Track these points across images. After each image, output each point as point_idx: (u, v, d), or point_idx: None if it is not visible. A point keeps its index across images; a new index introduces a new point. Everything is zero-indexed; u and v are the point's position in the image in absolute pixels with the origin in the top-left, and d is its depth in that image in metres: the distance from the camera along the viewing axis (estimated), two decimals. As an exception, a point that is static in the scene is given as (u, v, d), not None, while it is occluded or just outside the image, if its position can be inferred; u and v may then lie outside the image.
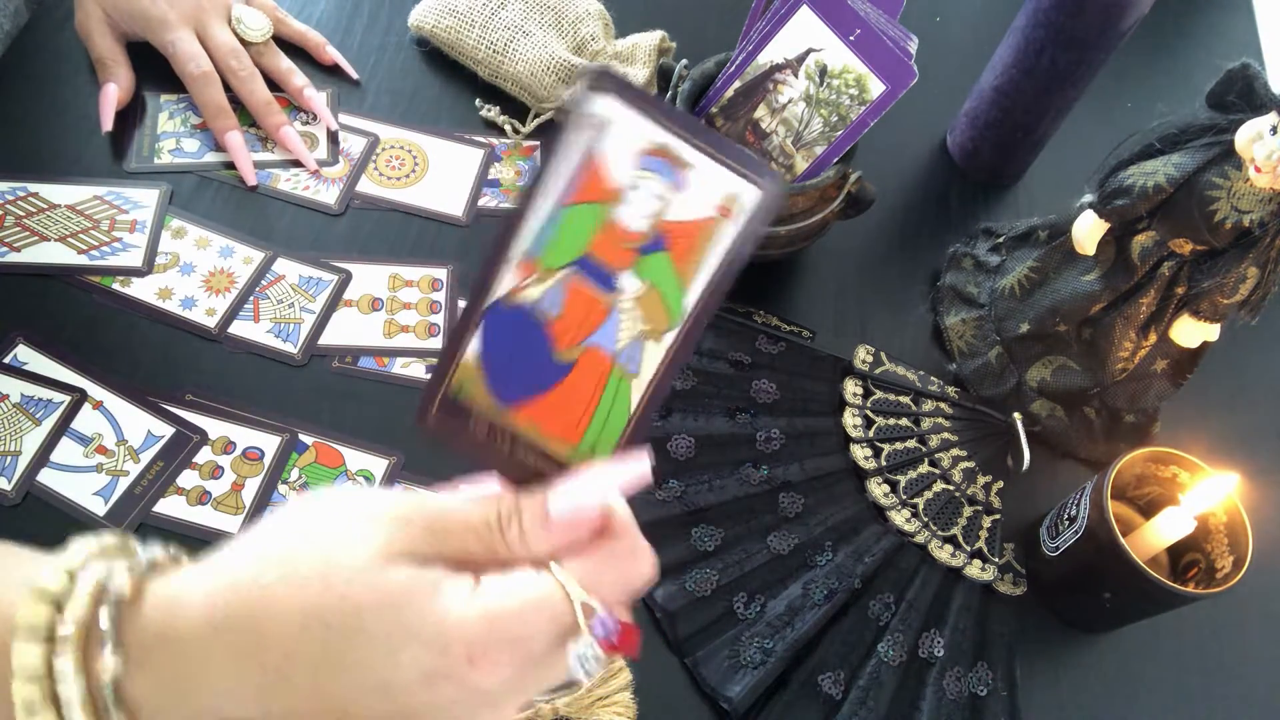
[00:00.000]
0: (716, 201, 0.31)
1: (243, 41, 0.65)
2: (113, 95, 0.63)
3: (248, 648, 0.30)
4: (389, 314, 0.61)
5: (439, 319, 0.61)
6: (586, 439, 0.33)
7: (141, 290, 0.59)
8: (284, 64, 0.67)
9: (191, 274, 0.60)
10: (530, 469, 0.33)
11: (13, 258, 0.58)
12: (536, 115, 0.69)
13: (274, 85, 0.66)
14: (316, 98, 0.67)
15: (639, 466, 0.33)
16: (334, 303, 0.60)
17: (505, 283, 0.31)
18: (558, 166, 0.30)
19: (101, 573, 0.30)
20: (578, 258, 0.31)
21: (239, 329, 0.59)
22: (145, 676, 0.30)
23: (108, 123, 0.63)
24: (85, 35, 0.64)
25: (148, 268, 0.59)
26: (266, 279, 0.61)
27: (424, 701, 0.30)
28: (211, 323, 0.59)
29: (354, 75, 0.69)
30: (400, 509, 0.31)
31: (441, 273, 0.63)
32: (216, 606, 0.30)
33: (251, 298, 0.60)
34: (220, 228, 0.62)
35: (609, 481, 0.33)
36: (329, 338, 0.59)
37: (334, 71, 0.70)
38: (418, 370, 0.59)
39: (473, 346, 0.32)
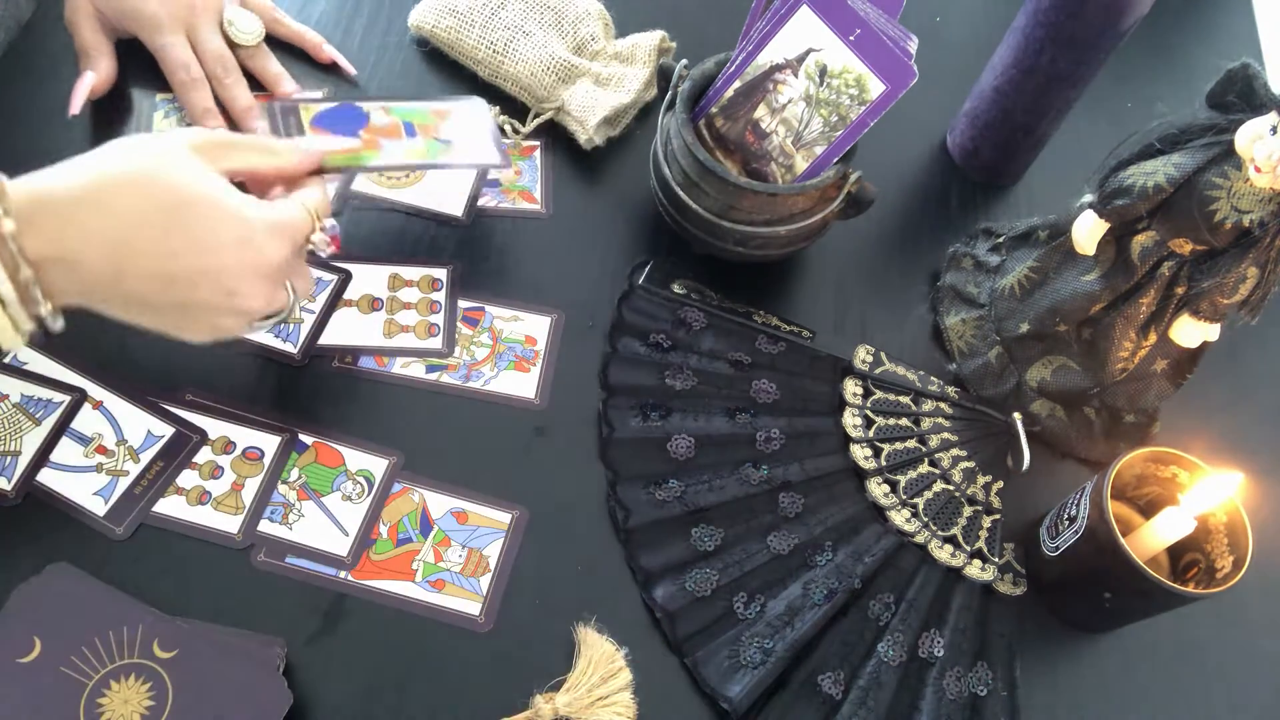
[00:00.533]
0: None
1: (234, 44, 0.65)
2: (88, 82, 0.62)
3: (105, 214, 0.43)
4: (389, 314, 0.61)
5: (439, 319, 0.61)
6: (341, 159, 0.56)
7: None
8: (273, 68, 0.67)
9: None
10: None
11: None
12: (536, 115, 0.69)
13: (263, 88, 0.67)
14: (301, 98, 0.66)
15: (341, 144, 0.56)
16: (334, 302, 0.60)
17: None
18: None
19: None
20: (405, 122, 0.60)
21: None
22: (34, 234, 0.42)
23: (75, 107, 0.62)
24: (72, 26, 0.64)
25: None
26: None
27: (235, 260, 0.46)
28: None
29: (351, 71, 0.69)
30: (205, 135, 0.48)
31: (441, 273, 0.63)
32: (74, 188, 0.43)
33: None
34: None
35: (325, 145, 0.55)
36: (329, 338, 0.59)
37: (332, 70, 0.70)
38: (418, 370, 0.59)
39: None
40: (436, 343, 0.60)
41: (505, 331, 0.61)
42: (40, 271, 0.43)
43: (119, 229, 0.44)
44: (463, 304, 0.62)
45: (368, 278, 0.62)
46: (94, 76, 0.63)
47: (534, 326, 0.62)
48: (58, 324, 0.45)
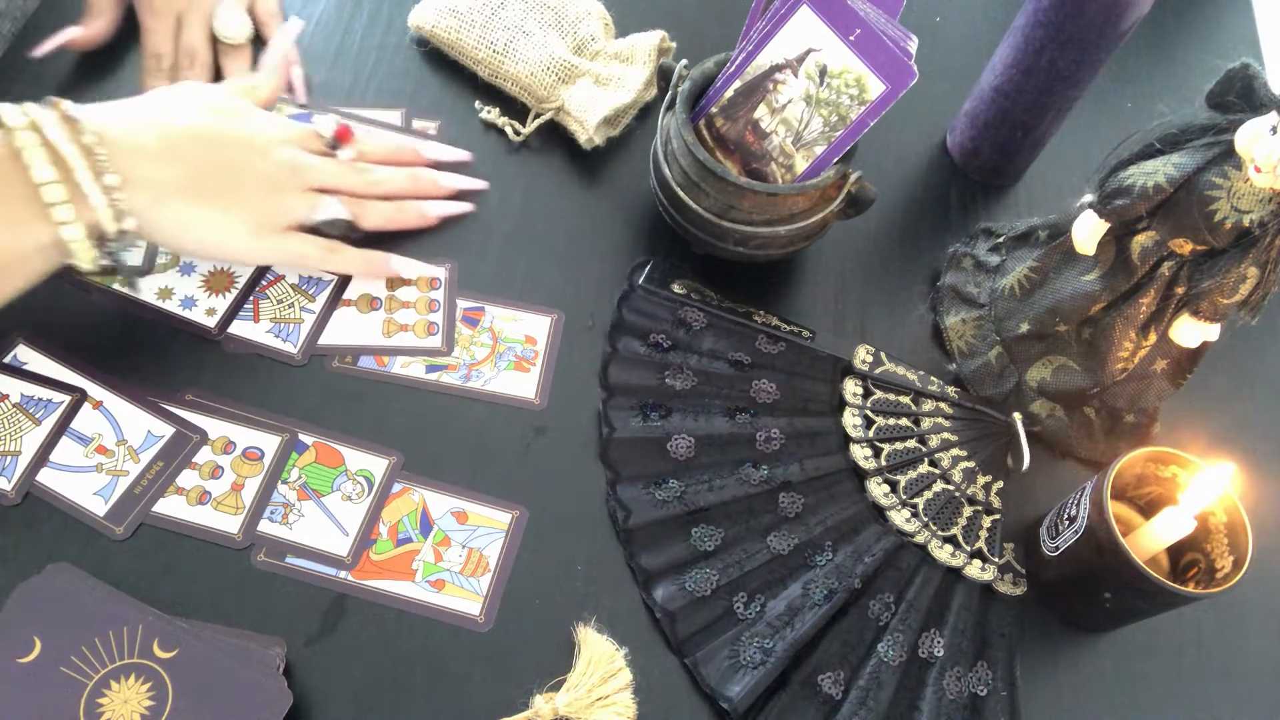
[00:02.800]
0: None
1: (218, 39, 0.66)
2: (69, 33, 0.64)
3: (150, 107, 0.54)
4: (388, 313, 0.61)
5: (438, 317, 0.61)
6: None
7: (141, 290, 0.59)
8: (242, 72, 0.67)
9: (191, 274, 0.60)
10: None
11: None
12: (536, 116, 0.69)
13: None
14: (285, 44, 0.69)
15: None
16: (334, 303, 0.60)
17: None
18: None
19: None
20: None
21: (239, 329, 0.59)
22: (100, 135, 0.50)
23: (40, 49, 0.63)
24: None
25: (148, 267, 0.59)
26: (266, 279, 0.61)
27: (265, 127, 0.57)
28: (211, 323, 0.59)
29: (301, 99, 0.68)
30: (224, 85, 0.60)
31: (440, 271, 0.63)
32: (127, 110, 0.53)
33: (251, 298, 0.60)
34: None
35: (284, 40, 0.66)
36: (328, 338, 0.59)
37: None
38: (417, 370, 0.59)
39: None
40: (436, 342, 0.60)
41: (505, 331, 0.61)
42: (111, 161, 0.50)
43: (157, 109, 0.54)
44: (463, 304, 0.62)
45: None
46: (78, 31, 0.64)
47: (534, 326, 0.62)
48: (128, 224, 0.51)
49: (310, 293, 0.61)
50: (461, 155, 0.67)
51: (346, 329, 0.60)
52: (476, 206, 0.66)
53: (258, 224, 0.56)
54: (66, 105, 0.50)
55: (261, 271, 0.61)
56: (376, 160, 0.63)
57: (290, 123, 0.59)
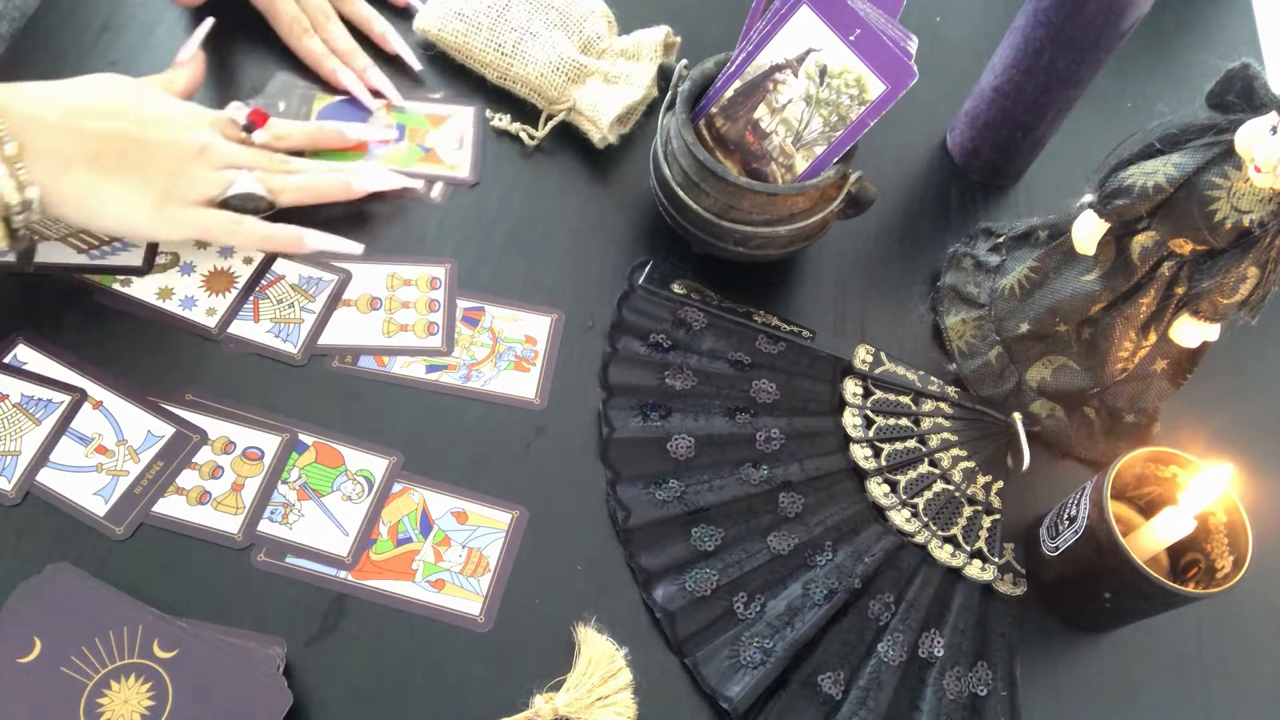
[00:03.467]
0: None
1: None
2: (207, 28, 0.64)
3: (59, 87, 0.55)
4: (388, 313, 0.61)
5: (438, 317, 0.61)
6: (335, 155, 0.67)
7: (141, 290, 0.59)
8: (362, 10, 0.70)
9: (191, 274, 0.60)
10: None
11: (14, 256, 0.58)
12: (549, 117, 0.69)
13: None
14: (397, 41, 0.70)
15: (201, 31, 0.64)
16: (334, 303, 0.60)
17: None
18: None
19: None
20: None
21: (239, 329, 0.59)
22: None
23: (184, 53, 0.63)
24: None
25: (147, 267, 0.59)
26: (266, 279, 0.61)
27: (173, 107, 0.58)
28: (211, 323, 0.59)
29: (416, 68, 0.70)
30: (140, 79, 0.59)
31: (440, 271, 0.63)
32: (35, 87, 0.54)
33: (251, 298, 0.60)
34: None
35: (198, 36, 0.64)
36: (328, 338, 0.59)
37: (394, 60, 0.71)
38: (417, 370, 0.59)
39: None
40: (436, 341, 0.60)
41: (505, 331, 0.61)
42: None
43: (59, 89, 0.55)
44: (463, 304, 0.62)
45: (366, 277, 0.62)
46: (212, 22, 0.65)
47: (534, 326, 0.62)
48: (31, 194, 0.52)
49: (310, 292, 0.61)
50: (389, 134, 0.67)
51: (347, 329, 0.60)
52: (477, 206, 0.65)
53: (163, 196, 0.56)
54: None
55: (261, 271, 0.61)
56: (294, 145, 0.64)
57: (203, 109, 0.60)
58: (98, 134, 0.54)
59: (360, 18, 0.71)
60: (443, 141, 0.68)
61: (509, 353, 0.61)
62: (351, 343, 0.59)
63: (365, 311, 0.61)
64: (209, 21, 0.65)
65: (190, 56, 0.63)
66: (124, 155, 0.55)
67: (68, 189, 0.53)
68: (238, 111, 0.62)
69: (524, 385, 0.60)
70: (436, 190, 0.66)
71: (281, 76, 0.69)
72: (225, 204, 0.58)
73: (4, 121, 0.50)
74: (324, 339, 0.59)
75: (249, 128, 0.62)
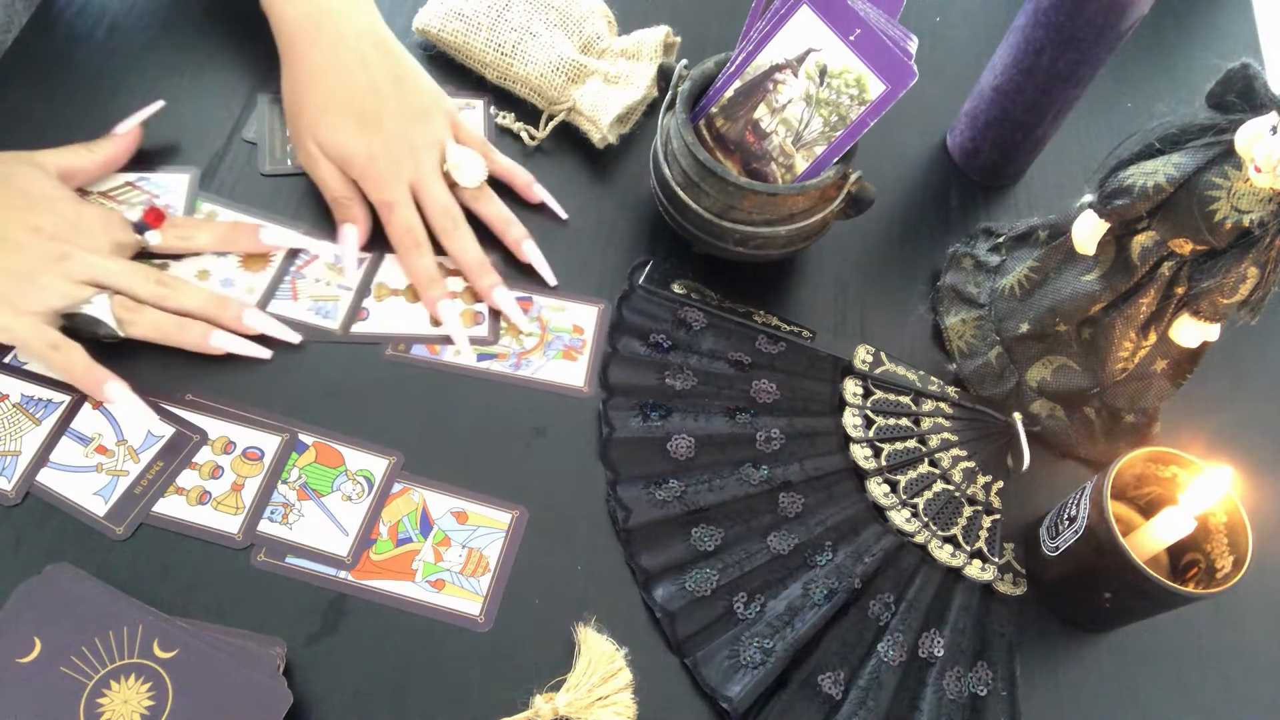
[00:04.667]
0: None
1: (453, 184, 0.62)
2: (353, 236, 0.60)
3: None
4: None
5: (483, 306, 0.62)
6: None
7: (180, 273, 0.60)
8: (501, 212, 0.63)
9: (227, 255, 0.61)
10: None
11: None
12: (550, 118, 0.69)
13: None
14: (534, 252, 0.63)
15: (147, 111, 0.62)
16: (368, 282, 0.61)
17: None
18: None
19: None
20: None
21: (278, 308, 0.60)
22: None
23: (351, 265, 0.60)
24: (315, 175, 0.61)
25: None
26: (301, 259, 0.61)
27: (49, 243, 0.54)
28: (253, 300, 0.60)
29: (563, 216, 0.65)
30: (55, 157, 0.57)
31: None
32: None
33: (288, 278, 0.61)
34: (253, 210, 0.63)
35: (144, 112, 0.61)
36: (376, 325, 0.60)
37: (538, 209, 0.66)
38: (468, 359, 0.60)
39: None
40: (482, 330, 0.61)
41: (553, 321, 0.62)
42: None
43: None
44: (512, 293, 0.62)
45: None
46: (356, 231, 0.60)
47: (581, 316, 0.62)
48: None
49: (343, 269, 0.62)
50: (317, 250, 0.61)
51: (395, 317, 0.60)
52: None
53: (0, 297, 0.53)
54: None
55: (295, 251, 0.62)
56: (200, 247, 0.59)
57: (87, 209, 0.56)
58: None
59: (496, 219, 0.63)
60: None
61: (557, 341, 0.61)
62: (399, 331, 0.60)
63: (412, 301, 0.61)
64: (159, 104, 0.62)
65: (127, 130, 0.60)
66: None
67: None
68: (131, 210, 0.58)
69: (573, 373, 0.60)
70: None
71: (265, 104, 0.66)
72: (71, 320, 0.54)
73: None
74: (372, 327, 0.60)
75: (142, 228, 0.57)
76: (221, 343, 0.56)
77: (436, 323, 0.60)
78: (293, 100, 0.61)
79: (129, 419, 0.55)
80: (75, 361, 0.54)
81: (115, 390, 0.54)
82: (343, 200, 0.61)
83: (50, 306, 0.53)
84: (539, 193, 0.65)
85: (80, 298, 0.54)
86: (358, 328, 0.60)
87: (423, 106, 0.62)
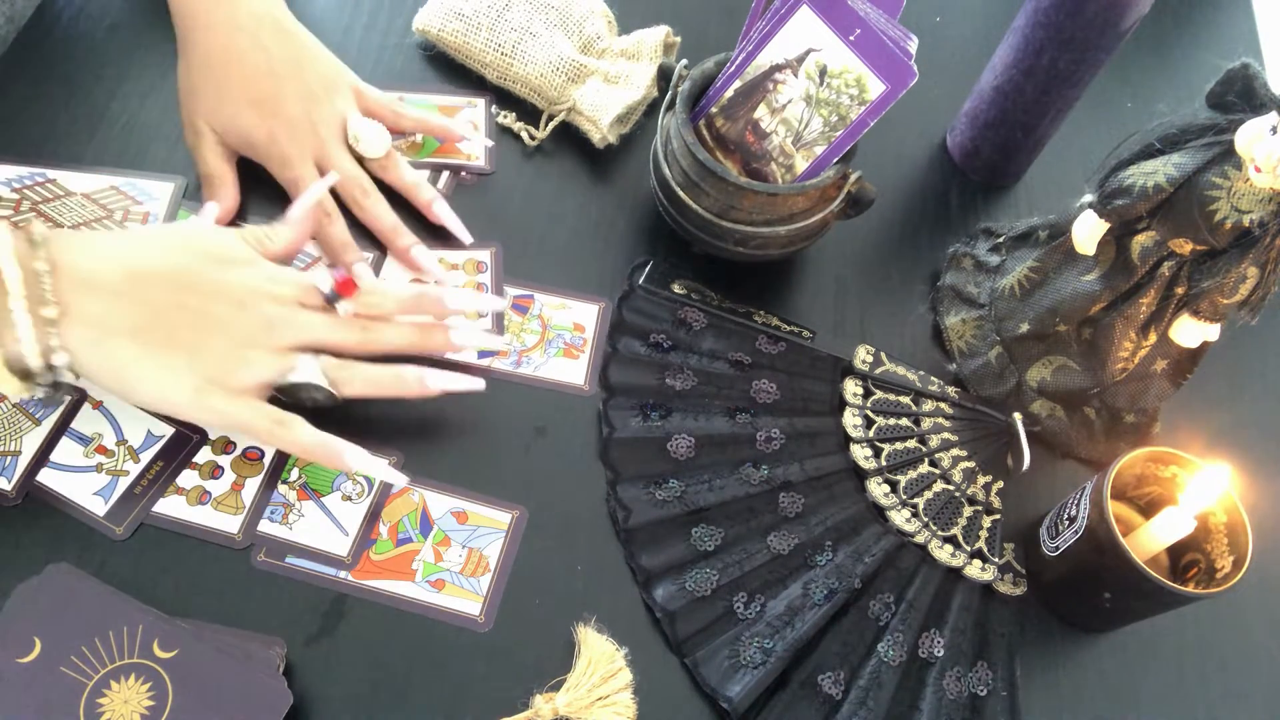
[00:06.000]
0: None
1: (361, 159, 0.62)
2: (210, 212, 0.60)
3: (121, 237, 0.53)
4: None
5: (485, 306, 0.61)
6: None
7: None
8: (408, 176, 0.63)
9: None
10: None
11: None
12: (550, 118, 0.69)
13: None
14: (446, 213, 0.63)
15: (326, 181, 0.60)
16: (376, 272, 0.62)
17: None
18: None
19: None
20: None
21: None
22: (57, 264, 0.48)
23: (299, 208, 0.59)
24: (195, 152, 0.61)
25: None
26: (300, 263, 0.62)
27: (244, 277, 0.52)
28: None
29: (467, 240, 0.64)
30: (234, 230, 0.55)
31: (485, 255, 0.64)
32: (104, 241, 0.51)
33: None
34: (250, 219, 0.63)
35: (315, 191, 0.58)
36: None
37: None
38: (470, 356, 0.59)
39: None
40: (486, 324, 0.61)
41: (554, 319, 0.62)
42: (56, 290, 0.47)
43: (137, 246, 0.51)
44: (512, 291, 0.63)
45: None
46: (217, 207, 0.60)
47: (582, 314, 0.62)
48: (58, 360, 0.48)
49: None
50: (499, 304, 0.59)
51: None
52: (478, 203, 0.65)
53: (207, 380, 0.50)
54: (37, 227, 0.47)
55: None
56: (388, 313, 0.57)
57: (288, 274, 0.54)
58: (153, 304, 0.49)
59: (404, 184, 0.63)
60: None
61: (558, 339, 0.61)
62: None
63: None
64: (332, 176, 0.60)
65: (302, 214, 0.57)
66: (174, 331, 0.49)
67: (103, 360, 0.49)
68: (323, 280, 0.54)
69: (573, 371, 0.60)
70: (443, 182, 0.66)
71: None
72: (281, 390, 0.53)
73: (53, 279, 0.46)
74: None
75: (334, 298, 0.55)
76: (440, 384, 0.55)
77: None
78: (188, 85, 0.60)
79: (378, 478, 0.55)
80: (305, 435, 0.52)
81: (357, 458, 0.52)
82: (215, 179, 0.60)
83: (260, 380, 0.52)
84: (440, 214, 0.63)
85: (288, 366, 0.52)
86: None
87: (323, 85, 0.61)
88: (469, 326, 0.59)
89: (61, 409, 0.55)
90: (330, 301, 0.55)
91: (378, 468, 0.53)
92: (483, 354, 0.60)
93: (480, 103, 0.70)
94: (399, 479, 0.54)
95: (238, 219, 0.62)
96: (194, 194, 0.62)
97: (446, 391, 0.56)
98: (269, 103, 0.59)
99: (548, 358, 0.61)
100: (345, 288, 0.55)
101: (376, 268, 0.62)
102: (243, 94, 0.59)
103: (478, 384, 0.57)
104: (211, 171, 0.61)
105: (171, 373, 0.50)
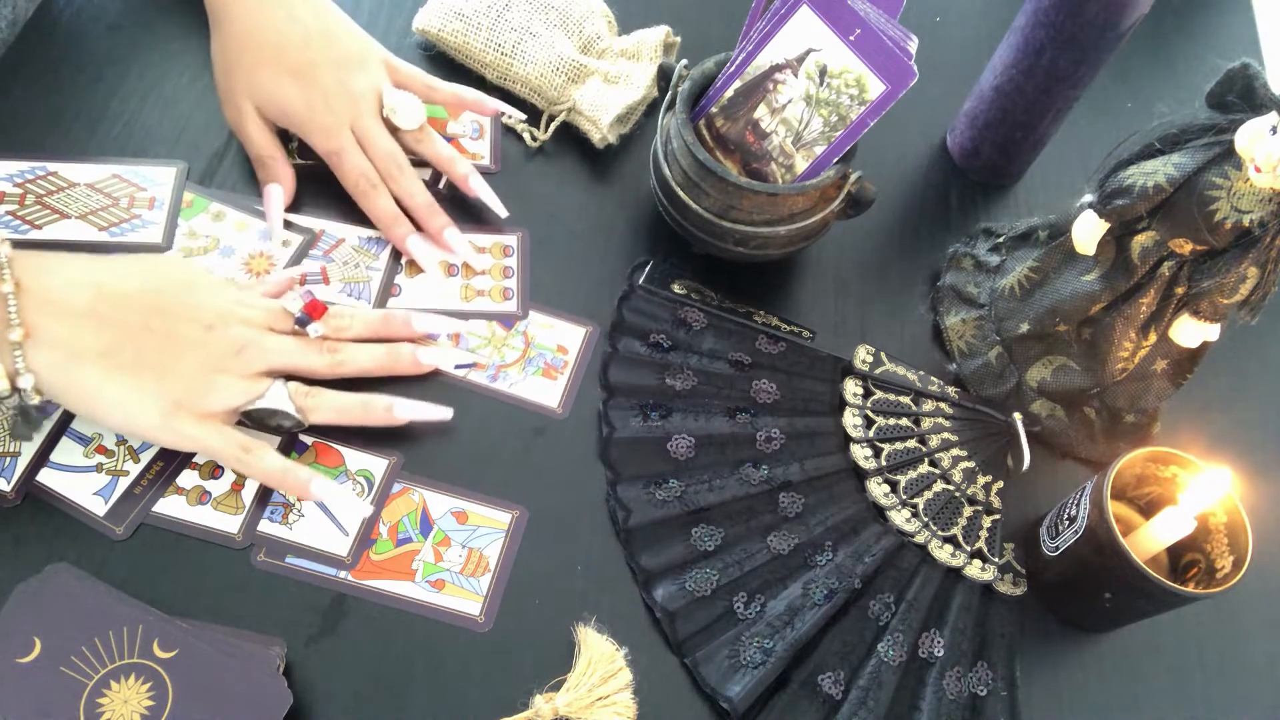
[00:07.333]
0: None
1: (395, 130, 0.62)
2: (278, 196, 0.60)
3: (94, 261, 0.51)
4: (465, 279, 0.62)
5: (512, 284, 0.63)
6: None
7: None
8: (443, 151, 0.63)
9: (231, 256, 0.60)
10: None
11: (35, 235, 0.58)
12: (551, 118, 0.69)
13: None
14: (482, 187, 0.63)
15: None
16: (396, 263, 0.62)
17: None
18: None
19: None
20: None
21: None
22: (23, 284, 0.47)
23: (277, 228, 0.60)
24: (240, 132, 0.61)
25: (168, 244, 0.60)
26: (325, 244, 0.62)
27: (215, 299, 0.53)
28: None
29: (503, 214, 0.64)
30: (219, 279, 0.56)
31: (512, 239, 0.64)
32: (76, 264, 0.50)
33: (319, 264, 0.61)
34: (256, 202, 0.62)
35: (292, 271, 0.59)
36: (408, 301, 0.61)
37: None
38: (445, 365, 0.59)
39: None
40: (511, 306, 0.62)
41: (539, 338, 0.62)
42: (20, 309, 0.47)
43: (105, 269, 0.50)
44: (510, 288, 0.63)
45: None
46: (281, 189, 0.60)
47: (568, 336, 0.62)
48: (23, 382, 0.47)
49: (373, 252, 0.62)
50: (460, 326, 0.60)
51: (426, 293, 0.62)
52: (479, 205, 0.66)
53: (175, 405, 0.50)
54: (2, 248, 0.47)
55: (309, 244, 0.61)
56: (356, 335, 0.57)
57: (257, 300, 0.55)
58: (122, 326, 0.49)
59: (439, 158, 0.63)
60: (463, 131, 0.68)
61: (539, 358, 0.61)
62: (430, 306, 0.61)
63: (448, 275, 0.62)
64: (277, 189, 0.60)
65: (284, 279, 0.58)
66: (142, 353, 0.49)
67: (69, 383, 0.48)
68: (293, 302, 0.56)
69: (548, 393, 0.60)
70: (443, 182, 0.66)
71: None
72: (248, 415, 0.54)
73: (19, 300, 0.46)
74: (404, 302, 0.61)
75: (303, 321, 0.55)
76: (405, 414, 0.55)
77: (408, 258, 0.62)
78: (223, 61, 0.61)
79: (342, 510, 0.54)
80: (270, 463, 0.52)
81: (322, 488, 0.53)
82: (268, 160, 0.61)
83: (227, 405, 0.52)
84: (476, 187, 0.63)
85: (257, 392, 0.53)
86: (391, 304, 0.61)
87: (356, 55, 0.62)
88: (436, 348, 0.59)
89: (62, 409, 0.55)
90: (300, 324, 0.55)
91: (343, 497, 0.54)
92: (459, 365, 0.60)
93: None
94: (364, 509, 0.54)
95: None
96: (207, 181, 0.63)
97: (414, 421, 0.56)
98: (306, 72, 0.60)
99: (525, 375, 0.60)
100: (314, 309, 0.55)
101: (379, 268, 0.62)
102: (279, 64, 0.59)
103: (445, 413, 0.57)
104: (262, 151, 0.61)
105: (139, 395, 0.50)
